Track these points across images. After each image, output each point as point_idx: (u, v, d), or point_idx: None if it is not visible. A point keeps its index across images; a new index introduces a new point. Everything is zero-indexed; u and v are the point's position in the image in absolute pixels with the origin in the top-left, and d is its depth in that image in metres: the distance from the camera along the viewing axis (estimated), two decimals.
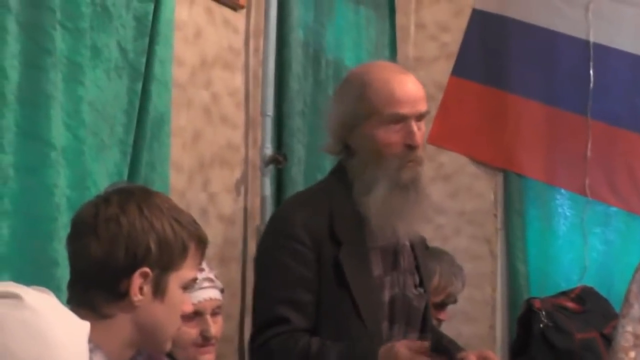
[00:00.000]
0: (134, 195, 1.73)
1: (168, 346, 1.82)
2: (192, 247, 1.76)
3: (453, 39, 4.63)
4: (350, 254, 2.51)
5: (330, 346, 2.47)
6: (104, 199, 1.73)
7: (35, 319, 1.35)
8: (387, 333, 2.57)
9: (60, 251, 2.22)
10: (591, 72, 4.31)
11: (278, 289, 2.49)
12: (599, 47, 4.32)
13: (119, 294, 1.68)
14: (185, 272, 1.76)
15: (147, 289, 1.70)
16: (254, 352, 2.52)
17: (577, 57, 4.35)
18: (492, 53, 4.53)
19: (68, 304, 1.72)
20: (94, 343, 1.63)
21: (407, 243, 2.67)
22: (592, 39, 4.32)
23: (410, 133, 2.50)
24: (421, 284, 2.71)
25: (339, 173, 2.64)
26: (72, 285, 1.74)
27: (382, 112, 2.50)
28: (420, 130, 2.54)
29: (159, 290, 1.72)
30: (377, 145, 2.51)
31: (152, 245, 1.69)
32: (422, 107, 2.55)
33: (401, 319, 2.62)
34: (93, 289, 1.69)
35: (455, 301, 3.64)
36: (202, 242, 1.80)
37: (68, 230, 2.22)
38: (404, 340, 2.48)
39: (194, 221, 1.79)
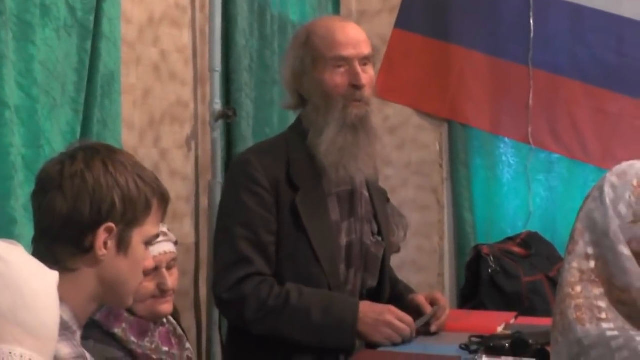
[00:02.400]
0: (99, 152, 1.75)
1: (130, 300, 1.84)
2: (155, 204, 1.79)
3: None
4: (307, 199, 2.58)
5: (310, 298, 2.53)
6: (69, 156, 1.74)
7: (6, 269, 1.37)
8: (344, 276, 2.64)
9: (18, 209, 2.24)
10: (531, 22, 4.37)
11: (241, 229, 2.56)
12: None
13: (84, 249, 1.71)
14: (148, 228, 1.78)
15: (111, 243, 1.73)
16: (222, 294, 2.57)
17: (518, 7, 4.40)
18: (434, 5, 4.55)
19: None
20: (59, 296, 1.66)
21: (365, 192, 2.74)
22: None
23: (354, 74, 2.59)
24: (379, 232, 2.77)
25: (297, 124, 2.72)
26: (36, 240, 1.75)
27: (326, 55, 2.59)
28: (366, 74, 2.62)
29: (122, 245, 1.74)
30: (325, 89, 2.59)
31: (117, 201, 1.71)
32: (365, 50, 2.64)
33: (358, 265, 2.68)
34: (58, 243, 1.71)
35: (398, 250, 3.68)
36: (164, 200, 1.82)
37: (25, 188, 2.27)
38: (390, 306, 2.56)
39: (157, 179, 1.82)
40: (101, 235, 1.71)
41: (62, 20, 2.50)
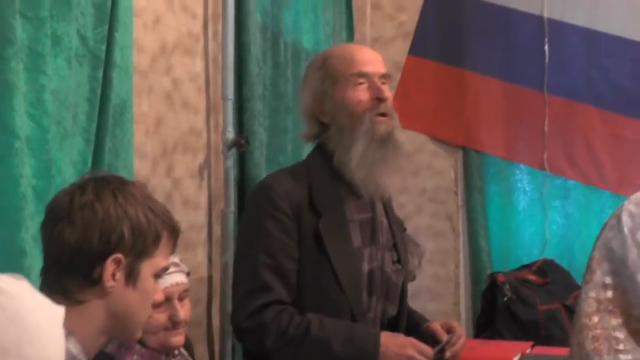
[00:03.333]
0: (109, 184, 1.74)
1: (139, 334, 1.83)
2: (165, 236, 1.77)
3: (410, 19, 4.65)
4: (330, 225, 2.57)
5: (331, 328, 2.51)
6: (80, 187, 1.73)
7: (11, 304, 1.35)
8: (367, 303, 2.62)
9: (28, 241, 2.22)
10: (546, 47, 4.36)
11: (262, 255, 2.55)
12: (554, 23, 4.36)
13: (92, 280, 1.69)
14: (158, 261, 1.77)
15: (120, 275, 1.71)
16: (242, 322, 2.56)
17: (533, 33, 4.40)
18: (448, 31, 4.56)
19: (41, 291, 1.72)
20: (68, 329, 1.63)
21: (385, 220, 2.73)
22: (546, 15, 4.37)
23: (377, 88, 2.62)
24: (399, 261, 2.76)
25: (318, 150, 2.72)
26: (45, 271, 1.74)
27: (346, 74, 2.63)
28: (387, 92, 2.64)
29: (131, 278, 1.73)
30: (349, 107, 2.61)
31: (126, 232, 1.70)
32: (383, 68, 2.69)
33: (380, 293, 2.67)
34: (67, 275, 1.69)
35: (414, 279, 3.65)
36: (175, 232, 1.81)
37: (35, 219, 2.25)
38: (412, 338, 2.54)
39: (168, 211, 1.80)
40: (109, 266, 1.69)
41: (73, 50, 2.49)
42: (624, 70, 4.27)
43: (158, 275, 1.80)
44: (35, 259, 2.23)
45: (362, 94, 2.62)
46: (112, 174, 1.88)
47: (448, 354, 2.63)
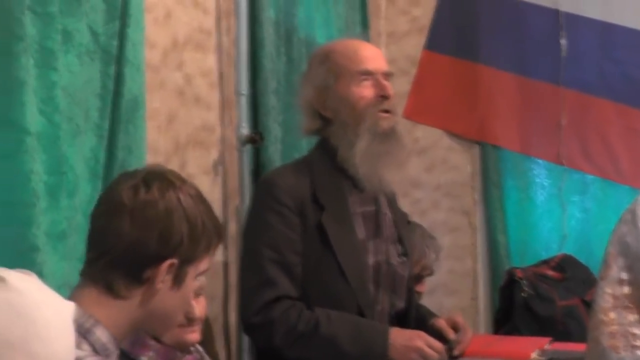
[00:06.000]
0: (172, 184, 1.72)
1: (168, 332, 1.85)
2: (214, 242, 1.77)
3: (424, 13, 4.64)
4: (334, 218, 2.58)
5: (339, 323, 2.50)
6: (143, 182, 1.71)
7: (19, 300, 1.34)
8: (373, 295, 2.61)
9: (40, 236, 2.21)
10: (562, 40, 4.33)
11: (266, 250, 2.55)
12: (569, 16, 4.34)
13: (141, 280, 1.68)
14: (203, 265, 1.76)
15: (167, 278, 1.70)
16: (251, 318, 2.56)
17: (547, 26, 4.37)
18: (463, 25, 4.54)
19: (80, 276, 1.72)
20: (98, 319, 1.64)
21: (388, 212, 2.72)
22: (561, 8, 4.34)
23: (381, 85, 2.64)
24: (404, 253, 2.75)
25: (320, 146, 2.72)
26: (90, 260, 1.72)
27: (350, 69, 2.65)
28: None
29: (177, 281, 1.72)
30: (352, 102, 2.62)
31: (185, 237, 1.68)
32: (386, 66, 2.73)
33: (386, 285, 2.66)
34: (114, 269, 1.67)
35: (431, 273, 3.65)
36: (221, 237, 1.81)
37: (47, 215, 2.25)
38: (421, 332, 2.54)
39: (216, 215, 1.80)
40: (163, 270, 1.68)
41: (84, 46, 2.48)
42: (639, 63, 4.23)
43: (198, 277, 1.79)
44: (47, 255, 2.23)
45: (366, 90, 2.64)
46: (171, 170, 1.86)
47: (456, 352, 2.63)
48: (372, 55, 2.69)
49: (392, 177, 2.66)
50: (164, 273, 1.68)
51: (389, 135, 2.63)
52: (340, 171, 2.64)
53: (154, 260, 1.67)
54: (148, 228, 1.66)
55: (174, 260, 1.68)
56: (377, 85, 2.64)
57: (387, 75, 2.70)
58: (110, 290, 1.67)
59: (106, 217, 1.71)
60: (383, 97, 2.63)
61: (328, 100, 2.66)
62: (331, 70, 2.66)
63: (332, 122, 2.68)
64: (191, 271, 1.73)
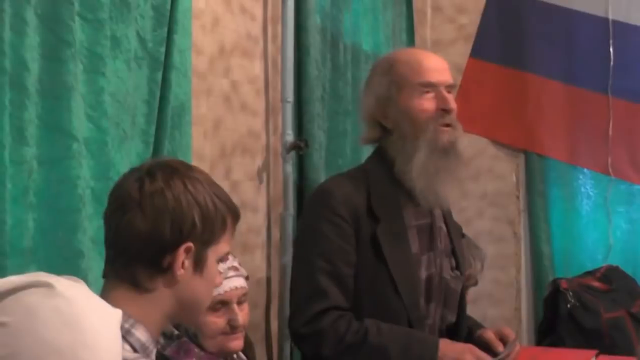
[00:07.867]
0: (177, 171, 1.72)
1: (200, 319, 1.84)
2: (229, 222, 1.76)
3: (470, 21, 4.62)
4: (388, 231, 2.55)
5: (388, 335, 2.48)
6: (147, 174, 1.71)
7: (67, 307, 1.34)
8: (424, 309, 2.59)
9: (85, 242, 2.22)
10: (611, 49, 4.29)
11: (319, 260, 2.53)
12: (618, 24, 4.30)
13: (162, 269, 1.68)
14: (222, 246, 1.76)
15: (188, 263, 1.69)
16: (300, 328, 2.54)
17: (597, 35, 4.33)
18: (510, 33, 4.51)
19: (104, 278, 1.72)
20: (134, 319, 1.65)
21: (443, 226, 2.70)
22: (611, 16, 4.30)
23: (443, 98, 2.59)
24: (457, 267, 2.72)
25: (377, 155, 2.69)
26: (112, 260, 1.72)
27: (413, 81, 2.59)
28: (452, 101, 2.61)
29: (199, 265, 1.71)
30: (413, 114, 2.58)
31: (197, 220, 1.68)
32: (450, 78, 2.66)
33: (438, 299, 2.64)
34: (136, 263, 1.67)
35: (476, 283, 3.62)
36: (237, 217, 1.80)
37: (93, 221, 2.25)
38: (470, 345, 2.51)
39: (228, 195, 1.80)
40: (180, 255, 1.67)
41: (132, 52, 2.49)
42: None
43: (220, 260, 1.79)
44: (93, 261, 2.24)
45: (427, 103, 2.58)
46: (174, 158, 1.86)
47: None
48: (436, 67, 2.63)
49: (449, 193, 2.63)
50: (181, 258, 1.67)
51: (448, 151, 2.58)
52: (396, 182, 2.61)
53: (171, 247, 1.67)
54: (159, 217, 1.66)
55: (190, 244, 1.68)
56: (439, 98, 2.58)
57: (451, 87, 2.64)
58: (136, 285, 1.67)
59: (117, 214, 1.70)
60: (444, 110, 2.57)
61: (389, 110, 2.63)
62: (394, 81, 2.62)
63: (392, 133, 2.64)
64: (211, 254, 1.73)
